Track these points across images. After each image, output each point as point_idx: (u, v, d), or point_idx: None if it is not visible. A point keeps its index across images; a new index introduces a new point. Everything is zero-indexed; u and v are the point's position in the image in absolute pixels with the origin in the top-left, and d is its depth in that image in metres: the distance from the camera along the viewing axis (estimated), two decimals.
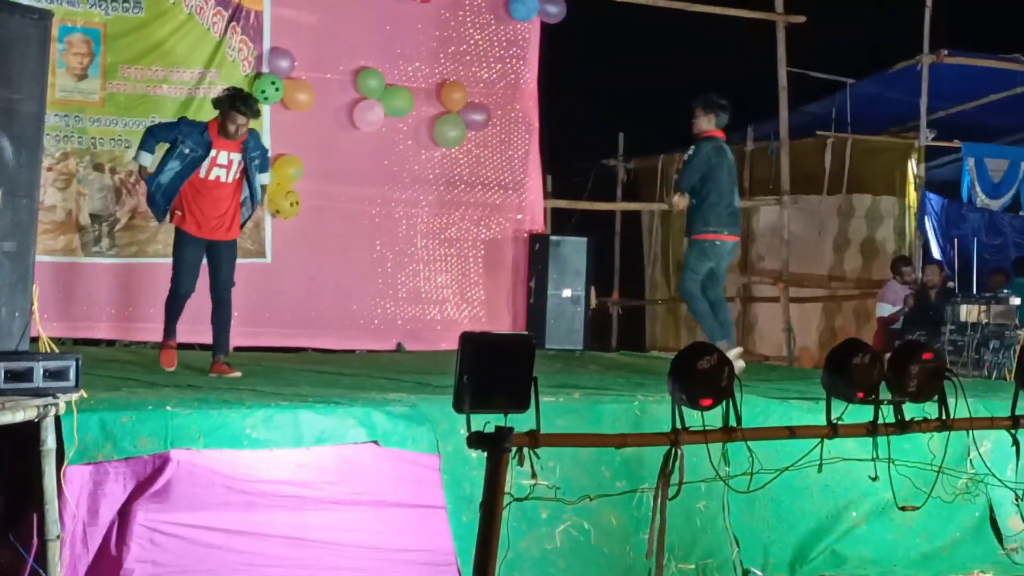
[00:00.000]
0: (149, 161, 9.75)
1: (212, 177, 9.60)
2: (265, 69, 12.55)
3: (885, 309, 15.03)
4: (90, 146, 11.97)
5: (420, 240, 13.51)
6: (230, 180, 9.69)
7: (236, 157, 9.68)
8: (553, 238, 13.88)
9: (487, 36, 13.81)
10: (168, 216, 9.70)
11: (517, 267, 13.94)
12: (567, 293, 13.69)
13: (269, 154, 10.48)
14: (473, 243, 13.77)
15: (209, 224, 9.64)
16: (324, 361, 11.55)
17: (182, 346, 10.72)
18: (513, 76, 13.95)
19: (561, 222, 15.91)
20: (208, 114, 12.10)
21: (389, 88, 13.20)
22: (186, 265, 9.67)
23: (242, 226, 9.98)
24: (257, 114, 9.87)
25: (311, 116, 12.82)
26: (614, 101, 18.54)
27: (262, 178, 10.02)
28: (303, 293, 12.78)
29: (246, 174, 9.75)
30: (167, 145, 9.67)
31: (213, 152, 9.59)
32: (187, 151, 9.56)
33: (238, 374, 9.59)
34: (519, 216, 13.98)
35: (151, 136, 9.82)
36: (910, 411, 6.62)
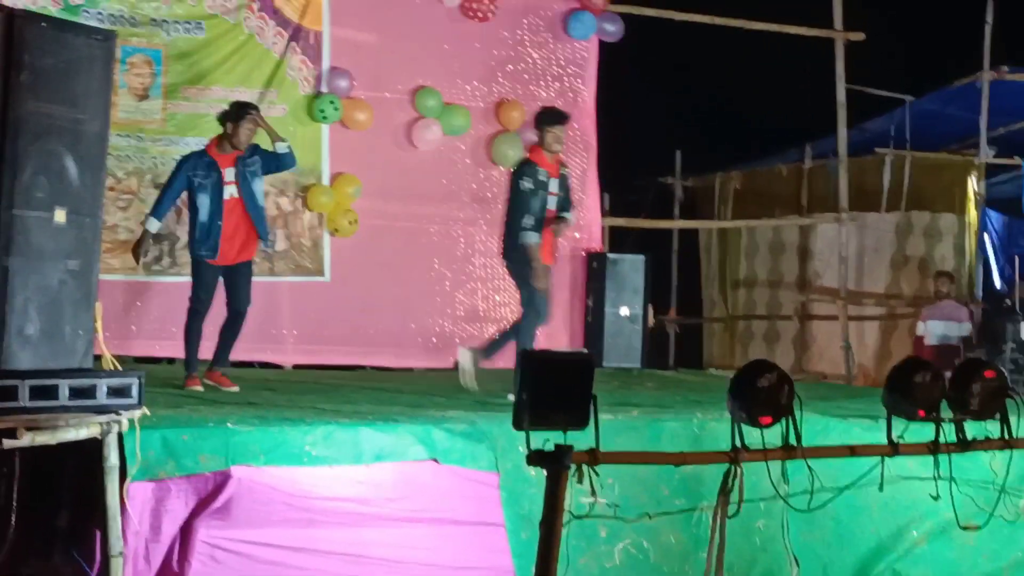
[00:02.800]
0: (156, 228, 9.83)
1: (227, 196, 9.74)
2: (324, 89, 12.63)
3: (919, 327, 14.94)
4: (152, 166, 12.07)
5: (478, 258, 13.54)
6: (240, 195, 9.79)
7: (233, 171, 9.78)
8: (611, 256, 13.89)
9: (545, 55, 13.84)
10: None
11: (575, 285, 13.94)
12: (625, 311, 13.68)
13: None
14: None
15: (227, 248, 9.76)
16: (382, 379, 11.60)
17: (238, 363, 10.83)
18: (571, 95, 13.96)
19: (618, 240, 15.89)
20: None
21: (447, 107, 13.25)
22: (205, 287, 9.84)
23: (264, 240, 10.11)
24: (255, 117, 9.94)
25: (369, 135, 12.88)
26: (672, 119, 18.50)
27: (279, 148, 10.05)
28: (361, 311, 12.82)
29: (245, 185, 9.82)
30: (178, 196, 9.85)
31: (220, 171, 9.72)
32: (204, 181, 9.69)
33: (235, 388, 9.76)
34: (576, 234, 13.97)
35: (165, 200, 9.85)
36: (972, 429, 6.58)
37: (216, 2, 12.23)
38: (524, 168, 10.11)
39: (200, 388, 9.67)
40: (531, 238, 9.94)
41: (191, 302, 9.94)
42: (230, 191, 9.72)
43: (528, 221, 9.93)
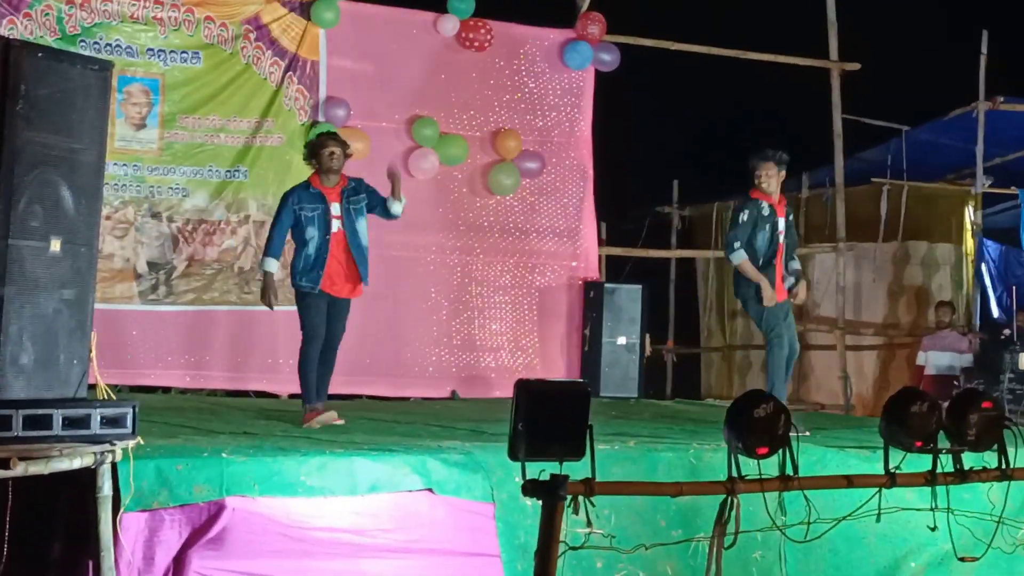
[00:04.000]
0: (275, 267, 9.56)
1: (334, 230, 9.46)
2: (321, 118, 12.64)
3: (919, 356, 14.98)
4: (148, 195, 12.08)
5: (475, 287, 13.54)
6: (345, 229, 9.52)
7: (338, 206, 9.51)
8: (607, 285, 13.87)
9: (542, 84, 13.87)
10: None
11: (571, 315, 13.94)
12: (622, 341, 13.66)
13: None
14: (527, 291, 13.79)
15: (338, 281, 9.51)
16: (378, 408, 11.56)
17: (234, 393, 10.73)
18: (568, 124, 13.99)
19: (615, 270, 15.89)
20: (266, 163, 12.22)
21: (444, 136, 13.27)
22: (317, 313, 9.51)
23: (364, 283, 9.79)
24: (345, 143, 9.67)
25: (366, 165, 12.75)
26: (669, 148, 18.54)
27: (394, 208, 9.76)
28: (358, 340, 12.71)
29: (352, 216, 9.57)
30: (288, 232, 9.50)
31: (327, 204, 9.45)
32: (311, 214, 9.41)
33: (341, 421, 9.52)
34: (573, 263, 14.00)
35: (276, 238, 9.52)
36: (969, 460, 6.55)
37: (213, 32, 12.26)
38: (745, 204, 10.08)
39: (339, 421, 9.41)
40: (738, 256, 9.90)
41: (304, 332, 9.56)
42: (337, 224, 9.47)
43: (736, 243, 9.91)
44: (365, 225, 9.67)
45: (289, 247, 9.67)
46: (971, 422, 6.36)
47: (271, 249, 9.54)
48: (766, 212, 9.99)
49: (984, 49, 15.43)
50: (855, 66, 14.95)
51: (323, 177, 9.51)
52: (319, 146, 9.54)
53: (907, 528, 8.01)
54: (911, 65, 17.52)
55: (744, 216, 9.96)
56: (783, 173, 10.22)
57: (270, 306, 9.60)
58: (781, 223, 10.08)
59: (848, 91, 15.03)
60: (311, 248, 9.42)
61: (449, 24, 13.29)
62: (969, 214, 16.23)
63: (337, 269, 9.49)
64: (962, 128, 15.85)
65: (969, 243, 16.35)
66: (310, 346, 9.54)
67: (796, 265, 10.29)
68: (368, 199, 9.71)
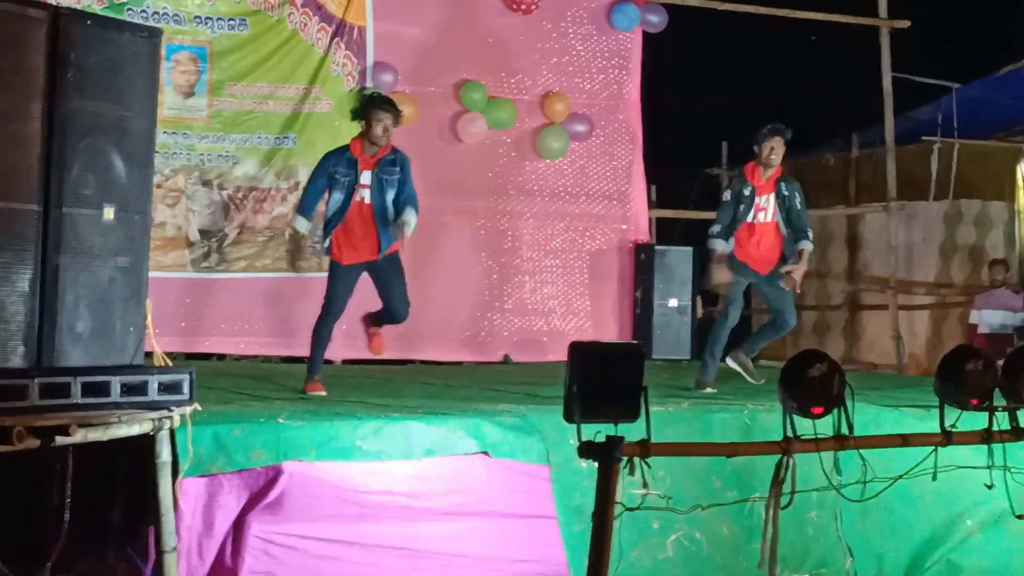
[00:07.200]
0: (305, 228, 9.38)
1: (357, 199, 9.17)
2: (369, 84, 12.64)
3: (972, 315, 14.88)
4: (198, 163, 12.13)
5: (525, 251, 13.55)
6: (371, 201, 9.20)
7: (370, 174, 9.17)
8: (658, 248, 13.87)
9: (589, 47, 13.83)
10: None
11: (623, 277, 13.93)
12: (673, 303, 13.66)
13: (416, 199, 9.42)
14: (578, 254, 13.78)
15: (358, 248, 9.22)
16: (432, 373, 11.60)
17: (289, 359, 10.71)
18: (616, 86, 13.96)
19: (666, 232, 15.84)
20: (315, 130, 12.21)
21: (492, 100, 13.26)
22: (338, 292, 9.27)
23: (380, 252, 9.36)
24: (399, 113, 9.33)
25: (415, 130, 12.82)
26: (717, 109, 18.45)
27: (406, 215, 9.22)
28: (410, 305, 12.80)
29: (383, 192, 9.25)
30: (322, 194, 9.28)
31: (358, 172, 9.16)
32: (342, 179, 9.13)
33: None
34: (624, 226, 13.98)
35: (307, 196, 9.35)
36: None
37: None
38: (730, 182, 10.39)
39: (323, 392, 9.11)
40: (713, 244, 10.08)
41: (324, 301, 9.33)
42: (361, 194, 9.17)
43: (714, 228, 10.06)
44: (392, 198, 9.29)
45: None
46: None
47: (302, 208, 9.37)
48: (747, 192, 10.08)
49: None
50: (904, 23, 14.83)
51: (365, 144, 9.21)
52: (372, 114, 9.16)
53: (963, 486, 7.97)
54: (961, 21, 17.36)
55: (727, 196, 10.15)
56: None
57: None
58: (763, 200, 10.10)
59: (898, 49, 14.91)
60: (331, 211, 9.19)
61: None
62: (1021, 171, 16.10)
63: (346, 239, 9.21)
64: (1014, 84, 15.73)
65: (1021, 200, 16.22)
66: (324, 318, 9.33)
67: (803, 245, 10.14)
68: (402, 175, 9.29)
